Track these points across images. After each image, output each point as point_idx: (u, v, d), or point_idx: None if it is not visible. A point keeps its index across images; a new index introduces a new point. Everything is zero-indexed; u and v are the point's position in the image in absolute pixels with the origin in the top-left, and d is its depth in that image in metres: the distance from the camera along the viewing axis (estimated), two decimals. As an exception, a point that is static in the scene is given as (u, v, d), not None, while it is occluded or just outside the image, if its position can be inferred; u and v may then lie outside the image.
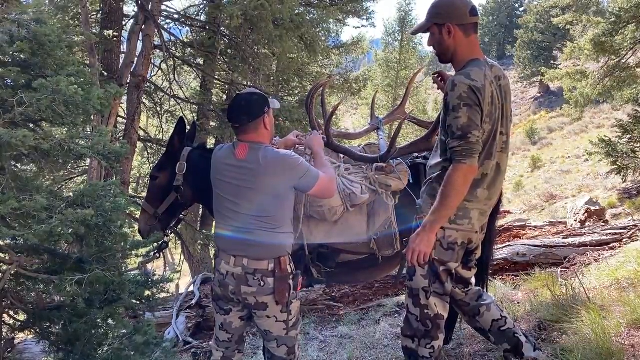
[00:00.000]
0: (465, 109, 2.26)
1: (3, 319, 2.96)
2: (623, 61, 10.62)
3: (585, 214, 7.73)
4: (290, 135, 3.24)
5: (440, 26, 2.42)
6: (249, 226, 2.49)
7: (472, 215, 2.49)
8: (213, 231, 10.17)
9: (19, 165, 2.91)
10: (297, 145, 3.21)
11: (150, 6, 7.94)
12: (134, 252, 3.09)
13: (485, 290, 4.03)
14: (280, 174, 2.47)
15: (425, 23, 2.48)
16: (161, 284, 3.19)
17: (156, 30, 8.13)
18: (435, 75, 2.89)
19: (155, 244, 3.34)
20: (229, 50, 9.43)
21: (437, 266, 2.54)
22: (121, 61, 8.30)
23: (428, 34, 2.54)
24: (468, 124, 2.26)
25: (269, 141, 2.67)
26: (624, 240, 5.83)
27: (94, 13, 8.85)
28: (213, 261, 10.16)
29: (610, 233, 6.10)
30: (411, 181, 3.32)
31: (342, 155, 3.33)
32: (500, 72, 2.48)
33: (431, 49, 2.58)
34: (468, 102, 2.26)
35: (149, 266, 5.75)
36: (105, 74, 7.88)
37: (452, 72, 2.54)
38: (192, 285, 7.19)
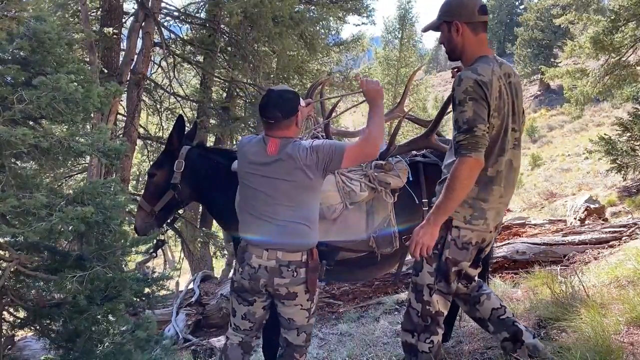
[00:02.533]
0: (470, 102, 2.28)
1: (3, 317, 2.97)
2: (623, 59, 10.60)
3: (585, 212, 7.74)
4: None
5: (449, 24, 2.45)
6: (286, 219, 2.53)
7: (488, 216, 2.49)
8: (214, 226, 10.19)
9: (18, 162, 2.91)
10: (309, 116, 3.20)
11: (150, 3, 7.93)
12: (133, 250, 3.10)
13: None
14: (310, 166, 2.50)
15: (436, 21, 2.53)
16: (161, 282, 3.19)
17: (156, 28, 8.13)
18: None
19: (153, 242, 3.35)
20: (229, 48, 9.42)
21: (449, 266, 2.54)
22: (121, 59, 8.30)
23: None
24: (474, 118, 2.27)
25: (297, 135, 2.69)
26: (624, 238, 5.84)
27: (94, 10, 8.83)
28: (214, 257, 10.14)
29: (609, 231, 6.11)
30: (411, 179, 3.33)
31: None
32: (511, 69, 2.50)
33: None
34: (474, 95, 2.27)
35: (149, 264, 5.76)
36: (105, 71, 7.87)
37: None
38: (192, 282, 7.21)
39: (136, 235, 3.32)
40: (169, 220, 3.61)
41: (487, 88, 2.29)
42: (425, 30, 2.66)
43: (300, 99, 2.73)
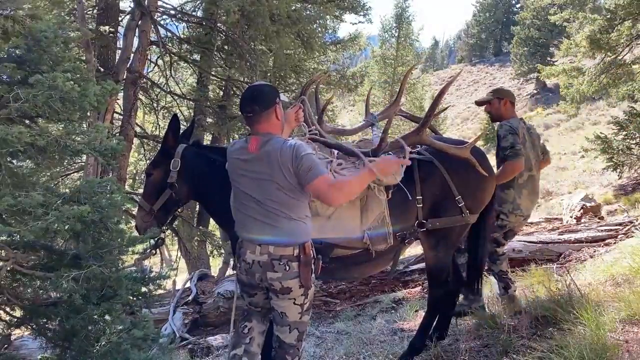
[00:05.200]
0: (509, 135, 3.92)
1: (-1, 316, 2.96)
2: (619, 58, 10.62)
3: (581, 211, 7.76)
4: (289, 112, 3.16)
5: (500, 99, 4.27)
6: (272, 216, 2.55)
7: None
8: (211, 225, 10.19)
9: (14, 161, 2.90)
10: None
11: (146, 2, 7.91)
12: (130, 249, 3.09)
13: (480, 288, 4.07)
14: (289, 164, 2.51)
15: (491, 97, 4.31)
16: (158, 281, 3.19)
17: (152, 26, 8.11)
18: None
19: (152, 241, 3.35)
20: (226, 46, 9.40)
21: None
22: (117, 57, 8.28)
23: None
24: (513, 141, 3.90)
25: (280, 132, 2.72)
26: (619, 236, 5.87)
27: (90, 9, 8.81)
28: (211, 255, 10.12)
29: (605, 229, 6.13)
30: (403, 176, 3.33)
31: (335, 151, 3.34)
32: (532, 127, 4.31)
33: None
34: (511, 131, 3.94)
35: (146, 263, 5.75)
36: (102, 70, 7.84)
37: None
38: (189, 281, 7.21)
39: (137, 234, 3.33)
40: (168, 220, 3.60)
41: (517, 131, 3.96)
42: (479, 104, 4.45)
43: (282, 94, 2.77)
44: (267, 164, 2.53)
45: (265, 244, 2.55)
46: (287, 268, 2.53)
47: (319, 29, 10.33)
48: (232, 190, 2.80)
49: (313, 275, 2.64)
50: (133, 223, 3.59)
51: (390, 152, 3.37)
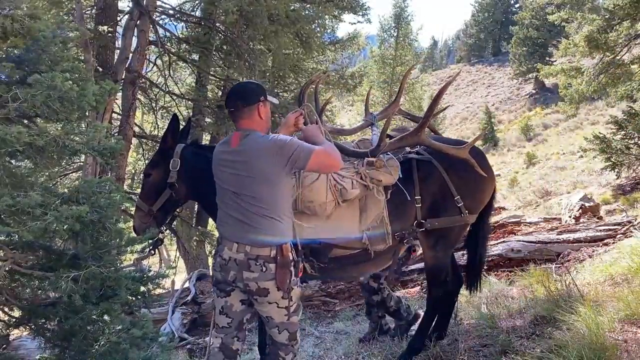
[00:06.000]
0: None
1: (-2, 316, 2.96)
2: (618, 58, 10.62)
3: (580, 210, 7.76)
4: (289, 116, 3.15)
5: None
6: (249, 214, 2.54)
7: None
8: (210, 225, 10.19)
9: (13, 161, 2.89)
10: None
11: (145, 2, 7.90)
12: (129, 248, 3.09)
13: (479, 287, 4.07)
14: (270, 157, 2.50)
15: None
16: (157, 280, 3.19)
17: (151, 26, 8.10)
18: None
19: (150, 241, 3.34)
20: (225, 46, 9.39)
21: None
22: (116, 57, 8.25)
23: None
24: None
25: (263, 131, 2.70)
26: (618, 236, 5.87)
27: (89, 8, 8.79)
28: (210, 255, 10.12)
29: (604, 229, 6.14)
30: (401, 176, 3.33)
31: None
32: None
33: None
34: None
35: (144, 262, 5.75)
36: (100, 69, 7.82)
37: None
38: (188, 281, 7.20)
39: (135, 234, 3.32)
40: (167, 221, 3.60)
41: None
42: None
43: (275, 98, 2.79)
44: (247, 158, 2.53)
45: (243, 243, 2.53)
46: (264, 269, 2.50)
47: (318, 29, 10.31)
48: (216, 185, 2.78)
49: (295, 277, 2.60)
50: (132, 223, 3.58)
51: (389, 153, 3.38)
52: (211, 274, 2.74)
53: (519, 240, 6.12)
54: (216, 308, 2.70)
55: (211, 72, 9.65)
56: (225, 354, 2.69)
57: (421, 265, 6.02)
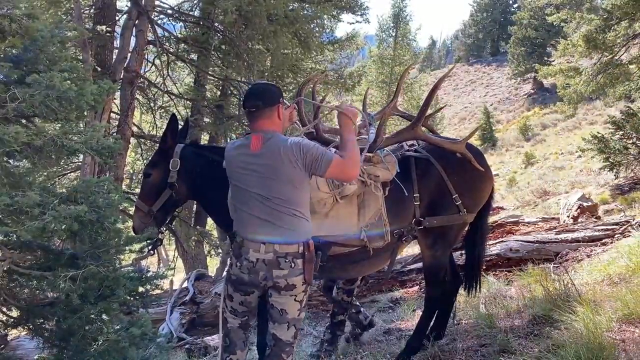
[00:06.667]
0: None
1: (-4, 316, 2.95)
2: (616, 58, 10.63)
3: (578, 210, 7.77)
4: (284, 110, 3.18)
5: None
6: (277, 214, 2.57)
7: None
8: (208, 225, 10.18)
9: (11, 161, 2.89)
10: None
11: (143, 1, 7.90)
12: (127, 248, 3.09)
13: (478, 287, 4.07)
14: (294, 161, 2.54)
15: None
16: (155, 280, 3.19)
17: (150, 26, 8.09)
18: None
19: (149, 241, 3.33)
20: (223, 46, 9.39)
21: None
22: (114, 57, 8.26)
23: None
24: None
25: (280, 131, 2.73)
26: (616, 236, 5.87)
27: (87, 8, 8.78)
28: (208, 255, 10.10)
29: (602, 229, 6.14)
30: (398, 171, 3.34)
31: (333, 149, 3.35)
32: None
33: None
34: None
35: (143, 262, 5.75)
36: (99, 69, 7.82)
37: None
38: (186, 281, 7.19)
39: (134, 234, 3.31)
40: (167, 221, 3.59)
41: None
42: None
43: (284, 100, 2.78)
44: (272, 161, 2.55)
45: (270, 243, 2.57)
46: (293, 265, 2.56)
47: (317, 29, 10.32)
48: (231, 189, 2.80)
49: (315, 272, 2.68)
50: (130, 223, 3.57)
51: (385, 149, 3.39)
52: (225, 273, 2.76)
53: (517, 240, 6.12)
54: (234, 299, 2.72)
55: (210, 72, 9.65)
56: (244, 329, 2.77)
57: (420, 264, 6.02)
